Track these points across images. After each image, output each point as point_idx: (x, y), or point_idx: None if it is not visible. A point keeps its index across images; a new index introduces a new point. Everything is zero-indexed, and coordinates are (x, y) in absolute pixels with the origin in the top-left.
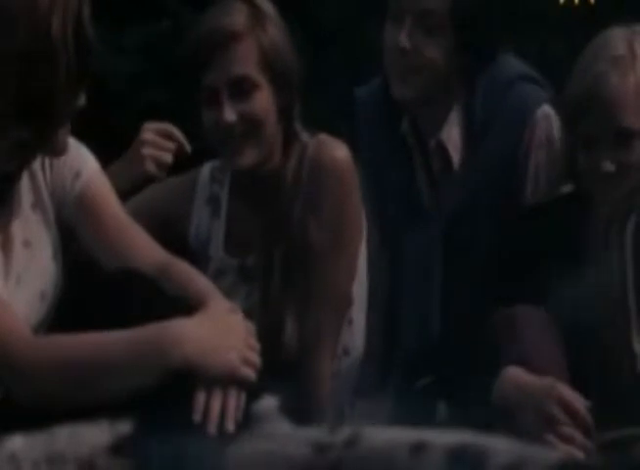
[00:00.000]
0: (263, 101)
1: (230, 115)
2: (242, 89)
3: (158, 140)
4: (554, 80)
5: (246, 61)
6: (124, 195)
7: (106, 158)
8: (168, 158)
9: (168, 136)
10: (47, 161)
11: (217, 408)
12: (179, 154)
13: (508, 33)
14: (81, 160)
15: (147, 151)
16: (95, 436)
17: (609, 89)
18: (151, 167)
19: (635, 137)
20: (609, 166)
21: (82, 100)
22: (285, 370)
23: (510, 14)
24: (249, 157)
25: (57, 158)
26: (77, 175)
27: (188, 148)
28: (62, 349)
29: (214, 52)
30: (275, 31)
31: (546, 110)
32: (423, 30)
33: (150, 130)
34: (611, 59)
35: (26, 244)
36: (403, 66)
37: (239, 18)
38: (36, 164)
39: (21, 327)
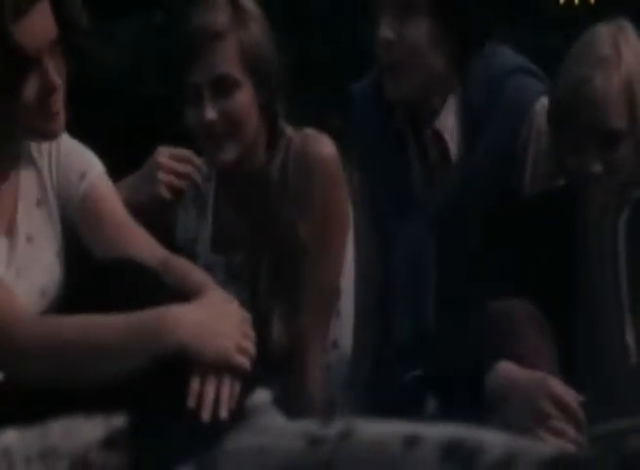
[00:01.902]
0: (244, 99)
1: (211, 113)
2: (223, 88)
3: (173, 165)
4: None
5: (227, 59)
6: (130, 209)
7: (100, 151)
8: (183, 184)
9: (184, 160)
10: (54, 160)
11: (211, 394)
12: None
13: (508, 31)
14: (86, 162)
15: (162, 177)
16: (89, 430)
17: (593, 92)
18: (165, 193)
19: (622, 137)
20: (597, 168)
21: (52, 80)
22: (271, 367)
23: (510, 13)
24: (229, 154)
25: (51, 140)
26: (82, 177)
27: (204, 169)
28: (59, 329)
29: (197, 52)
30: (257, 29)
31: (545, 102)
32: (403, 18)
33: (164, 154)
34: (595, 59)
35: (30, 239)
36: (391, 59)
37: (220, 16)
38: (43, 163)
39: (20, 307)
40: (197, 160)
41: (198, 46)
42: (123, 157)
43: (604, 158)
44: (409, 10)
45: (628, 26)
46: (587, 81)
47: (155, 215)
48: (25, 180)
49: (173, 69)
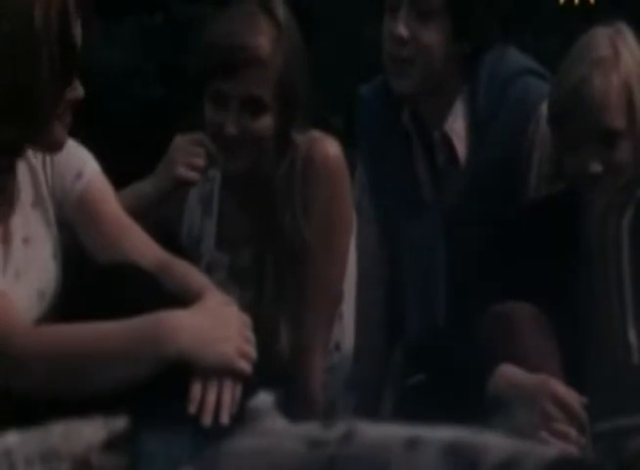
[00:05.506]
0: (268, 122)
1: (233, 128)
2: (251, 107)
3: (189, 146)
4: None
5: (262, 84)
6: (152, 206)
7: (99, 152)
8: (201, 161)
9: (199, 143)
10: (48, 160)
11: (213, 400)
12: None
13: (508, 33)
14: (82, 161)
15: (179, 155)
16: (89, 432)
17: (592, 92)
18: (182, 172)
19: (621, 137)
20: (596, 167)
21: (79, 92)
22: (277, 370)
23: (510, 14)
24: (240, 164)
25: (53, 154)
26: (78, 176)
27: (216, 153)
28: (58, 337)
29: (232, 69)
30: (295, 57)
31: None
32: (420, 17)
33: (180, 139)
34: (594, 60)
35: (26, 241)
36: (401, 55)
37: (264, 40)
38: (37, 163)
39: (18, 316)
40: (208, 142)
41: (235, 64)
42: (123, 157)
43: (603, 157)
44: (427, 8)
45: (626, 29)
46: (586, 82)
47: (160, 214)
48: (21, 181)
49: (199, 71)
